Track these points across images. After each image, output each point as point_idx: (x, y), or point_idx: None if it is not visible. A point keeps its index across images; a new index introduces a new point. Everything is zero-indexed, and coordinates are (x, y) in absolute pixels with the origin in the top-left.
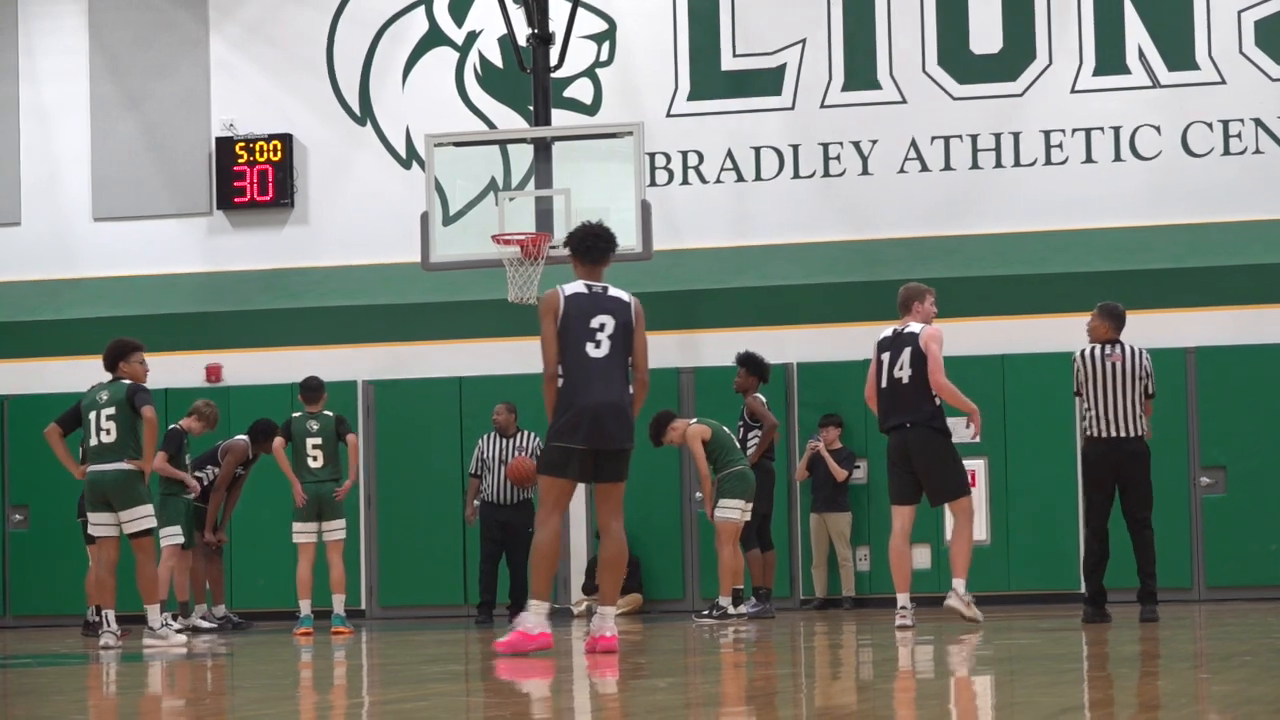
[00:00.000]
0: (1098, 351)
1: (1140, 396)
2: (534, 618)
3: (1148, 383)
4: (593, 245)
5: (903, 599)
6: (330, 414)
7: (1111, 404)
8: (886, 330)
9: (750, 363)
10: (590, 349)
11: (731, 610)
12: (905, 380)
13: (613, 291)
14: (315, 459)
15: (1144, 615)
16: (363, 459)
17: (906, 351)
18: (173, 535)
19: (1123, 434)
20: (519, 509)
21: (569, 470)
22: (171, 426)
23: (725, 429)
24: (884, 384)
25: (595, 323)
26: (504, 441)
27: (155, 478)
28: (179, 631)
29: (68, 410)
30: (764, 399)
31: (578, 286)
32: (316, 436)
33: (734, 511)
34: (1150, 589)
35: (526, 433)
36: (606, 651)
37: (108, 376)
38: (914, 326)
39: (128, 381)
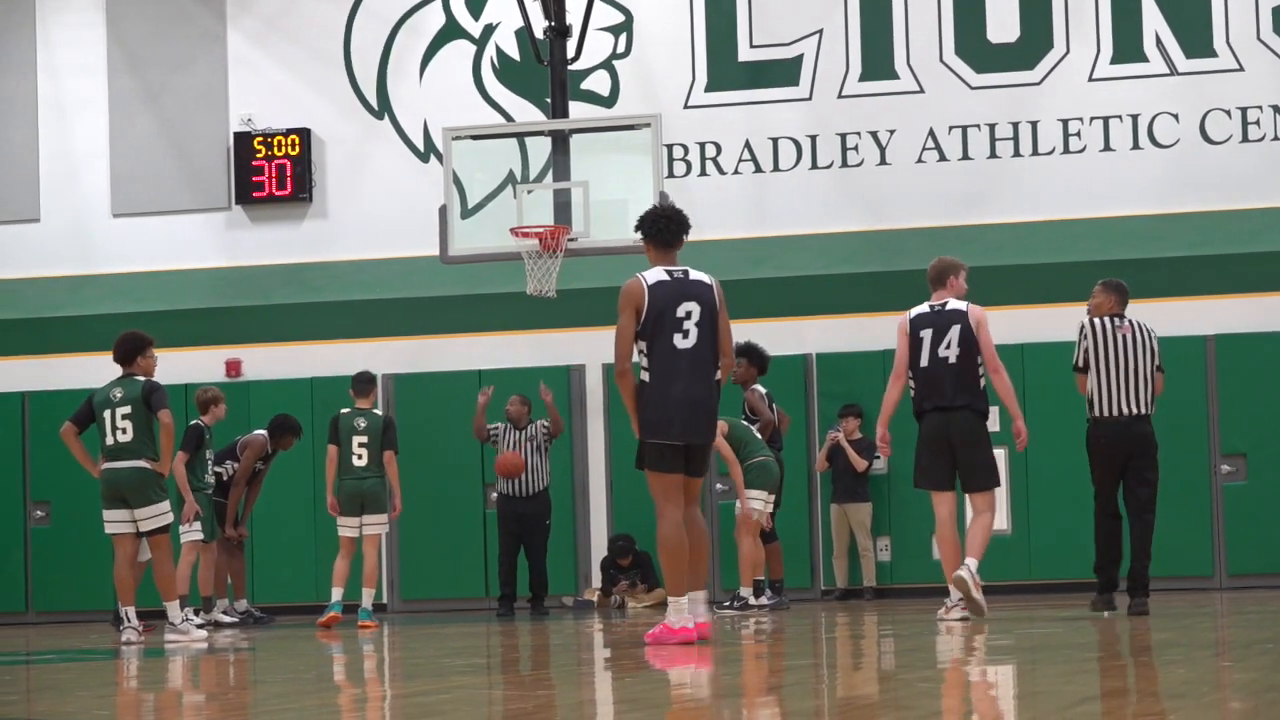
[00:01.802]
0: (1108, 322)
1: (1151, 372)
2: (675, 614)
3: (1156, 356)
4: (665, 228)
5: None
6: (379, 413)
7: (1122, 379)
8: (920, 308)
9: (751, 353)
10: (678, 339)
11: (753, 601)
12: (952, 360)
13: (694, 275)
14: (360, 457)
15: (1135, 608)
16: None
17: (954, 330)
18: (192, 531)
19: (1134, 412)
20: (535, 500)
21: (671, 464)
22: (191, 424)
23: (742, 422)
24: (924, 363)
25: (682, 311)
26: (516, 434)
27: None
28: (200, 627)
29: (80, 408)
30: (763, 390)
31: (658, 274)
32: (363, 434)
33: (757, 503)
34: (1145, 579)
35: (538, 424)
36: (699, 639)
37: (118, 371)
38: (956, 304)
39: (142, 379)
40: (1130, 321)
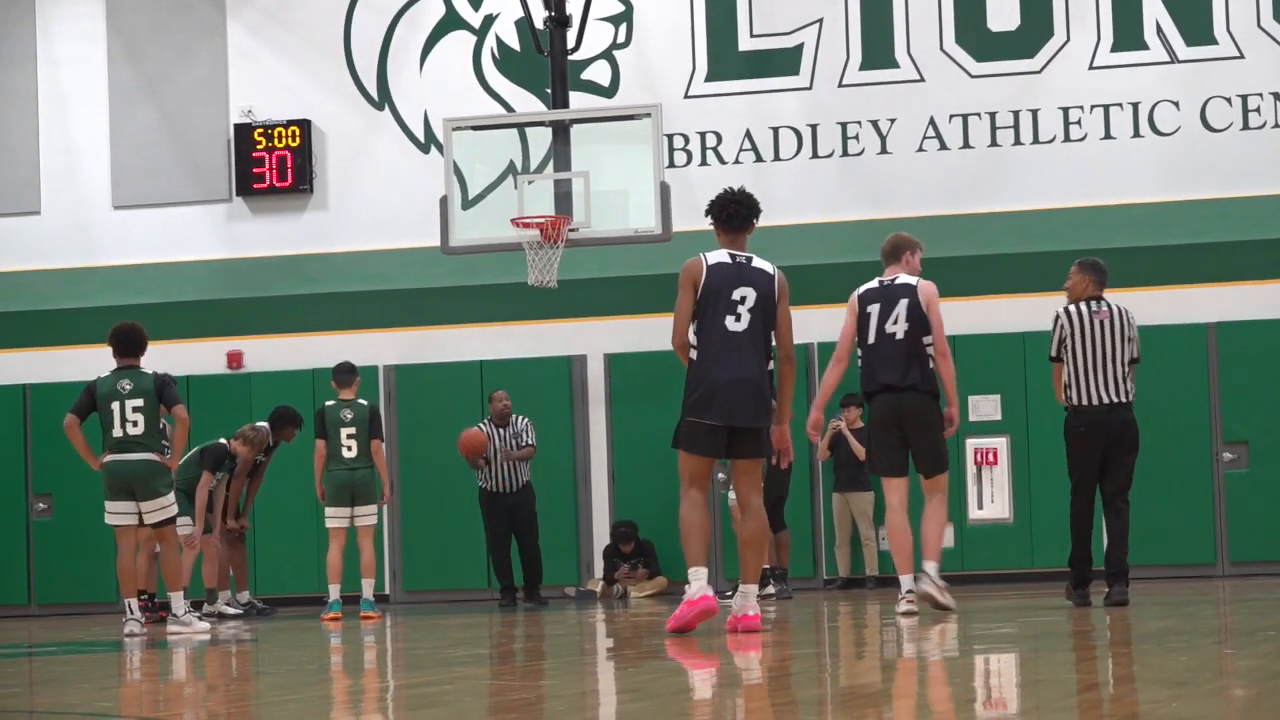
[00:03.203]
0: (1085, 308)
1: (1128, 358)
2: (694, 584)
3: (1134, 346)
4: (734, 212)
5: (907, 581)
6: (365, 403)
7: (1101, 366)
8: (870, 283)
9: None
10: (730, 322)
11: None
12: (900, 336)
13: (757, 262)
14: (349, 448)
15: (1114, 597)
16: (385, 443)
17: (902, 304)
18: (185, 525)
19: (1114, 399)
20: (523, 493)
21: (701, 446)
22: (221, 443)
23: None
24: (871, 340)
25: (737, 294)
26: (500, 431)
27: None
28: (202, 618)
29: (80, 399)
30: None
31: (721, 255)
32: (350, 426)
33: None
34: (1125, 568)
35: (518, 418)
36: (749, 630)
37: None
38: (906, 278)
39: (150, 371)
40: (1108, 306)
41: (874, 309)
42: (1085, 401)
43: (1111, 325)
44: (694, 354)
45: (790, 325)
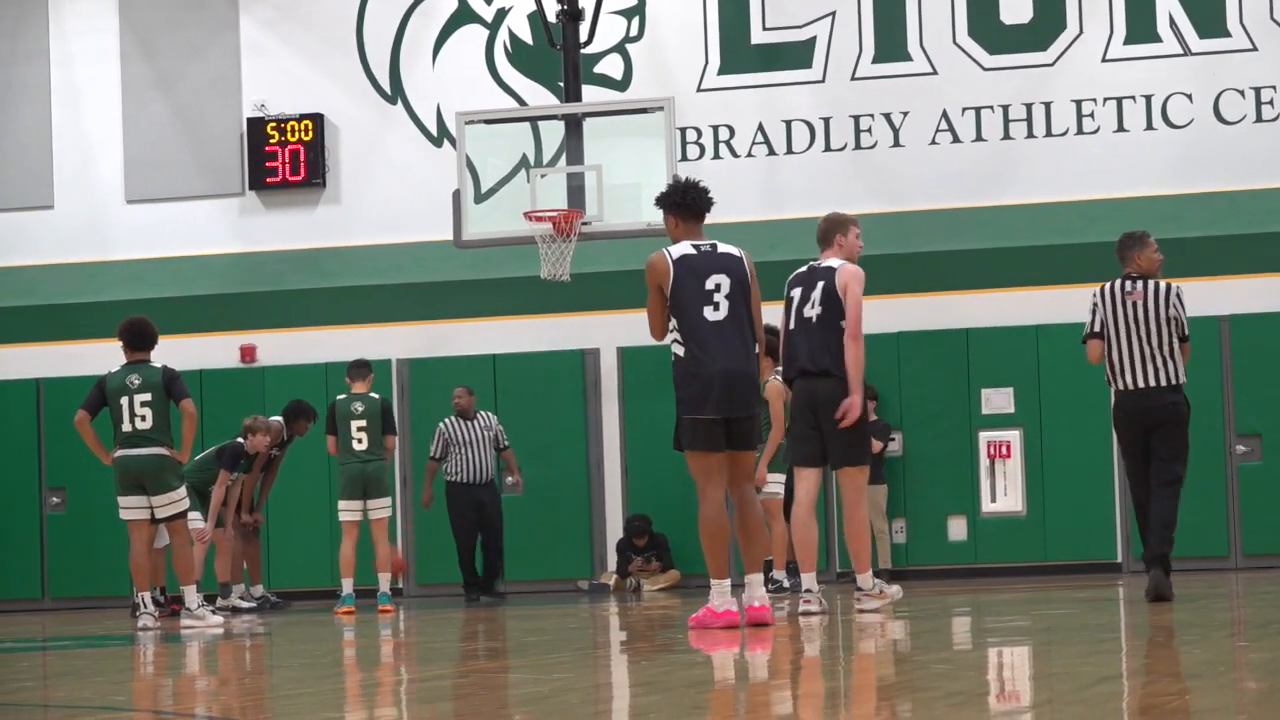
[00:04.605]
0: (1117, 288)
1: (1171, 338)
2: (717, 597)
3: (1177, 324)
4: (695, 198)
5: (808, 580)
6: (376, 397)
7: (1136, 349)
8: (802, 267)
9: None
10: (709, 312)
11: (787, 584)
12: (814, 320)
13: (723, 248)
14: (360, 441)
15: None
16: (397, 438)
17: (819, 287)
18: (196, 520)
19: (1155, 384)
20: (490, 487)
21: (709, 442)
22: (238, 442)
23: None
24: (792, 324)
25: (711, 283)
26: (465, 424)
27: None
28: (215, 612)
29: (91, 394)
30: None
31: (684, 248)
32: (361, 419)
33: (778, 486)
34: (1165, 556)
35: (485, 414)
36: (758, 620)
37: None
38: (831, 261)
39: (159, 365)
40: (1144, 286)
41: (796, 293)
42: (1124, 386)
43: (1146, 306)
44: (679, 350)
45: (760, 308)
